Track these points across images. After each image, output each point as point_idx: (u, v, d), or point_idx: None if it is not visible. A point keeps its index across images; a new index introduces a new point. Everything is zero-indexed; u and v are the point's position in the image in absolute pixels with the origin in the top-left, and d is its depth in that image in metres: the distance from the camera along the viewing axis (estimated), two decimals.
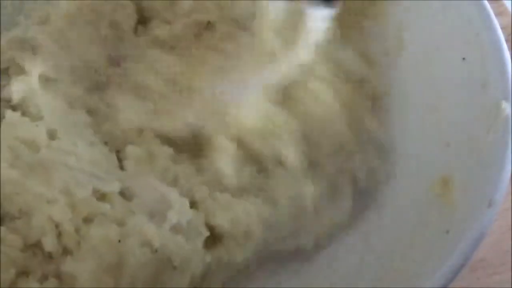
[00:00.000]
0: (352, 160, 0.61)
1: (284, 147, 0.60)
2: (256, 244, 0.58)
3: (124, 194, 0.58)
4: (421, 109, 0.62)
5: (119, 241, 0.54)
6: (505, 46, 0.56)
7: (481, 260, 0.64)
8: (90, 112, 0.63)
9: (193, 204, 0.58)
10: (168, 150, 0.61)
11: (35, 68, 0.62)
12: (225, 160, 0.59)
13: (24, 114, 0.61)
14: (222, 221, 0.57)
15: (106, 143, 0.62)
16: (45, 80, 0.62)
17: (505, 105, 0.53)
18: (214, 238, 0.58)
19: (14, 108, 0.61)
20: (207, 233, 0.57)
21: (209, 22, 0.67)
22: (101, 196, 0.57)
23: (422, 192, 0.57)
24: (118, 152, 0.61)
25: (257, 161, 0.60)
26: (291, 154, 0.60)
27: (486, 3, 0.59)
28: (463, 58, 0.58)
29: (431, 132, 0.60)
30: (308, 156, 0.60)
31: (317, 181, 0.60)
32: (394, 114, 0.64)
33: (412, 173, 0.60)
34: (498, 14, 0.61)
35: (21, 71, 0.62)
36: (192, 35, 0.67)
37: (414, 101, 0.63)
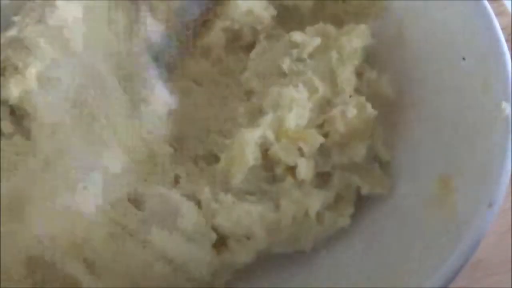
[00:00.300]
0: (359, 174, 0.61)
1: (299, 156, 0.59)
2: (258, 246, 0.58)
3: (133, 200, 0.58)
4: (421, 109, 0.62)
5: (135, 254, 0.55)
6: (505, 46, 0.56)
7: (481, 260, 0.64)
8: (88, 111, 0.63)
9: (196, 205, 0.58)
10: (168, 149, 0.61)
11: (31, 68, 0.62)
12: (238, 163, 0.59)
13: (22, 115, 0.62)
14: (224, 221, 0.57)
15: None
16: (42, 79, 0.62)
17: (505, 106, 0.53)
18: (218, 239, 0.58)
19: (12, 108, 0.62)
20: (215, 236, 0.57)
21: (205, 21, 0.68)
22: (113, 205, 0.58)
23: (422, 192, 0.57)
24: None
25: (269, 168, 0.60)
26: (304, 164, 0.59)
27: (486, 3, 0.59)
28: (463, 58, 0.59)
29: (431, 132, 0.60)
30: (318, 167, 0.60)
31: (322, 191, 0.60)
32: (393, 115, 0.64)
33: (412, 173, 0.60)
34: (498, 14, 0.60)
35: (18, 71, 0.62)
36: (190, 33, 0.68)
37: (414, 101, 0.63)
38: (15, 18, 0.65)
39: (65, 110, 0.62)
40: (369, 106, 0.61)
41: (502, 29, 0.58)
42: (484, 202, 0.50)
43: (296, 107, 0.60)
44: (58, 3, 0.64)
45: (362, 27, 0.64)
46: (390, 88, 0.64)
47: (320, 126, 0.60)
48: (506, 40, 0.57)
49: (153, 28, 0.66)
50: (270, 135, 0.59)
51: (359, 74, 0.64)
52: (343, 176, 0.61)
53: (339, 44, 0.63)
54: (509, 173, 0.51)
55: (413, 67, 0.64)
